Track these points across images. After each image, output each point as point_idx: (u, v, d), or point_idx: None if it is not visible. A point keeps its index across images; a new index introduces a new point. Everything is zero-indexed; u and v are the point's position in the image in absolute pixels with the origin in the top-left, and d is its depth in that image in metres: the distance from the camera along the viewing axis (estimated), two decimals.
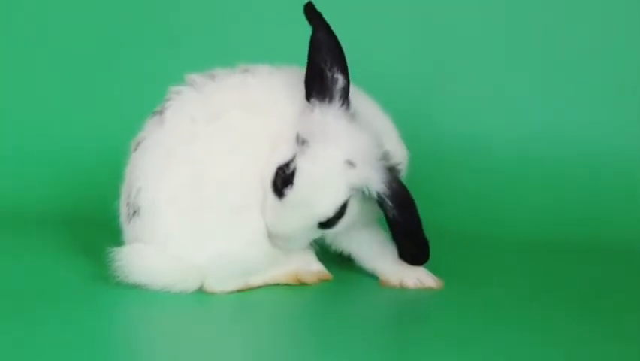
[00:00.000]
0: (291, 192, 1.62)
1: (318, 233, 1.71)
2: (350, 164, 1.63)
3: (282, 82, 1.76)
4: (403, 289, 1.79)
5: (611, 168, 2.54)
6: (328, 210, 1.64)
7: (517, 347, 1.43)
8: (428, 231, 1.71)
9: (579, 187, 2.52)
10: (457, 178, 2.55)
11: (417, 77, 2.71)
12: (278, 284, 1.77)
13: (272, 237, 1.68)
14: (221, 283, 1.69)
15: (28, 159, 2.72)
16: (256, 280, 1.74)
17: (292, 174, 1.62)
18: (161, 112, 1.73)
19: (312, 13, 1.66)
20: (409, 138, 1.86)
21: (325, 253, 1.84)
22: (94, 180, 2.56)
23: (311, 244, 1.79)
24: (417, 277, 1.80)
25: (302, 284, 1.78)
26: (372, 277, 1.84)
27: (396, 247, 1.74)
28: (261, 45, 2.73)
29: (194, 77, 1.76)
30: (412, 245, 1.72)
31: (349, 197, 1.65)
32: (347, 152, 1.63)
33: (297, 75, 1.76)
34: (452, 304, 1.70)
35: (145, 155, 1.70)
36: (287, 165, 1.64)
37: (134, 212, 1.67)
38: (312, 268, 1.81)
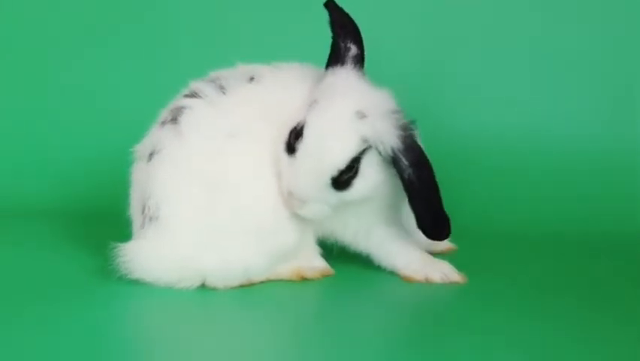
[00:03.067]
0: (301, 145, 1.63)
1: (335, 197, 1.66)
2: (361, 114, 1.63)
3: (290, 85, 1.77)
4: (408, 283, 1.78)
5: (611, 167, 2.57)
6: (338, 160, 1.62)
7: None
8: None
9: (579, 185, 2.54)
10: (455, 177, 2.55)
11: (416, 76, 2.72)
12: (280, 280, 1.77)
13: (289, 199, 1.66)
14: (223, 280, 1.70)
15: (33, 158, 2.74)
16: (259, 276, 1.74)
17: (302, 129, 1.63)
18: (173, 121, 1.71)
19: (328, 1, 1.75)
20: None
21: (326, 250, 1.84)
22: (98, 178, 2.58)
23: (313, 240, 1.81)
24: (442, 272, 1.79)
25: (304, 280, 1.78)
26: (376, 272, 1.84)
27: (414, 216, 1.67)
28: (261, 44, 2.74)
29: (202, 87, 1.74)
30: (429, 212, 1.66)
31: (363, 152, 1.64)
32: (357, 103, 1.64)
33: (300, 72, 1.80)
34: (451, 300, 1.70)
35: (162, 168, 1.68)
36: (298, 123, 1.65)
37: (150, 220, 1.67)
38: (315, 264, 1.81)
